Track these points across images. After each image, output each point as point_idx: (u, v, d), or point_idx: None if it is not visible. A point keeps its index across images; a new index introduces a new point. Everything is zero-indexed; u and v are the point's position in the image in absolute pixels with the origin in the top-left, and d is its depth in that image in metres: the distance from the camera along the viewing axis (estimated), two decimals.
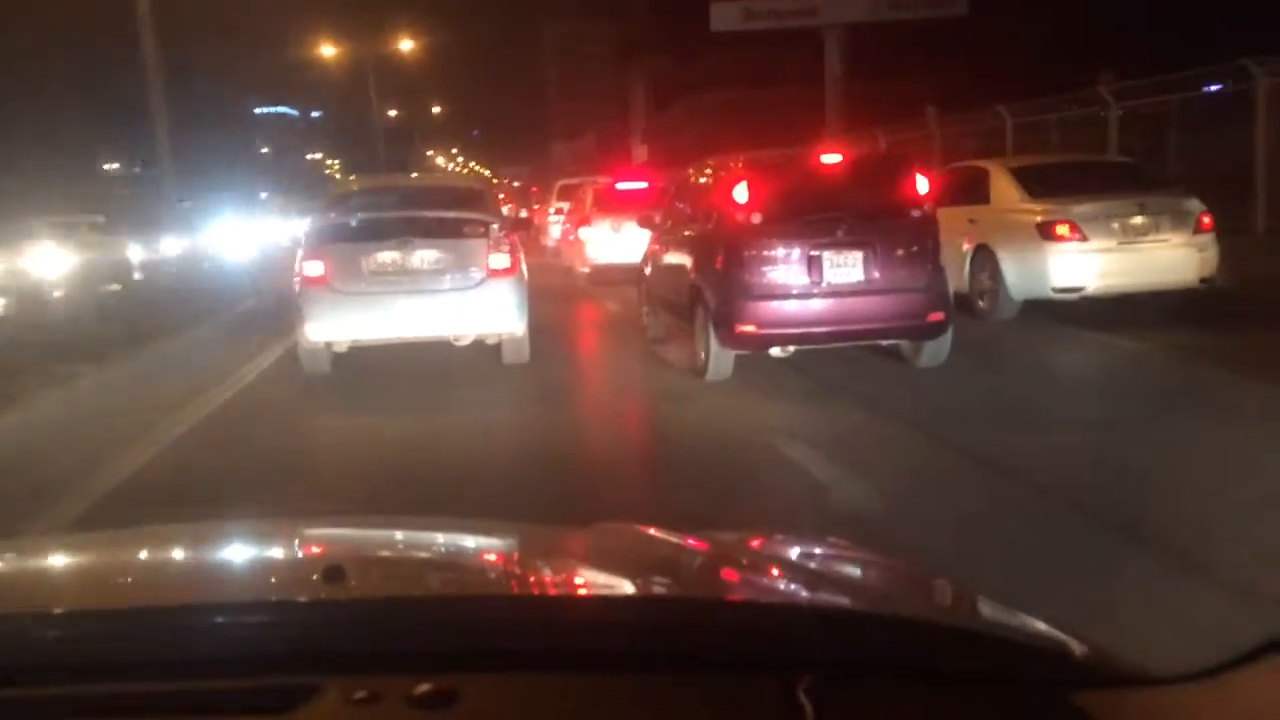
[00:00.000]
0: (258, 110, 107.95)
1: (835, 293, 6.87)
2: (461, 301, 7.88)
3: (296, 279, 8.10)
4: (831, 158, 7.35)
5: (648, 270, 9.31)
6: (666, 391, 7.28)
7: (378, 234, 8.02)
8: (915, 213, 7.04)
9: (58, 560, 1.75)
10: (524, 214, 20.99)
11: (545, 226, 20.98)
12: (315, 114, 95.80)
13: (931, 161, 14.88)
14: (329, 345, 8.19)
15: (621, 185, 15.57)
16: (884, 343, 7.37)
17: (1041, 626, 1.27)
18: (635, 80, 37.13)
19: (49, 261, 14.68)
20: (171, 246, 19.97)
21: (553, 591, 1.53)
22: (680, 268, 7.90)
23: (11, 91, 30.82)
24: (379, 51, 31.40)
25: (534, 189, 38.64)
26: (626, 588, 1.53)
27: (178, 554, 1.78)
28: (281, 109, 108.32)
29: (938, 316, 6.98)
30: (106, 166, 33.07)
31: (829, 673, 1.09)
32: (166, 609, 1.29)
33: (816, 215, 6.92)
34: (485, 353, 8.36)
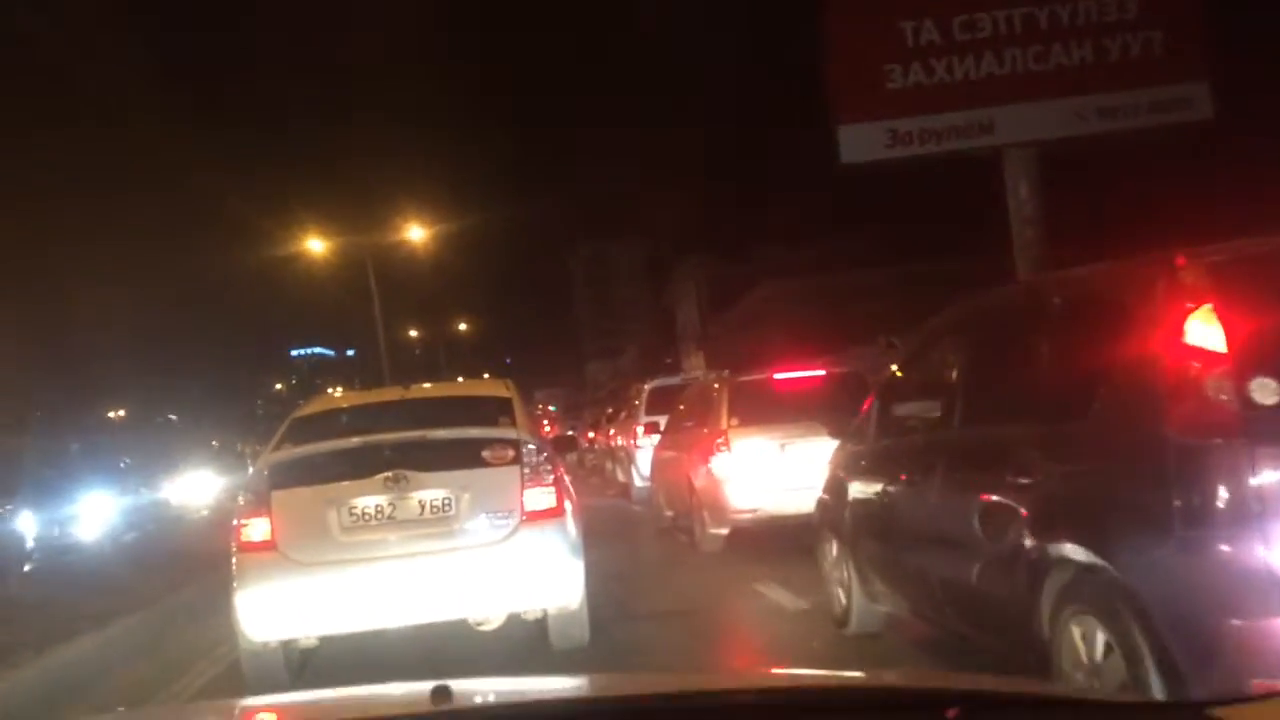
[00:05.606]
0: (294, 353, 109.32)
1: None
2: (484, 563, 5.22)
3: (232, 546, 5.29)
4: None
5: (846, 510, 5.32)
6: None
7: (356, 468, 5.34)
8: None
9: None
10: (570, 433, 17.63)
11: (625, 454, 14.45)
12: (350, 351, 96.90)
13: None
14: (286, 644, 5.29)
15: (783, 376, 9.12)
16: None
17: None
18: (682, 285, 35.38)
19: None
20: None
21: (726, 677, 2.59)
22: (981, 510, 3.81)
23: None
24: (381, 244, 28.31)
25: (595, 406, 28.47)
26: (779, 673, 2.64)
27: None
28: (318, 349, 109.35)
29: None
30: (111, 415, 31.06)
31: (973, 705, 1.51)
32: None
33: None
34: (525, 631, 5.60)
